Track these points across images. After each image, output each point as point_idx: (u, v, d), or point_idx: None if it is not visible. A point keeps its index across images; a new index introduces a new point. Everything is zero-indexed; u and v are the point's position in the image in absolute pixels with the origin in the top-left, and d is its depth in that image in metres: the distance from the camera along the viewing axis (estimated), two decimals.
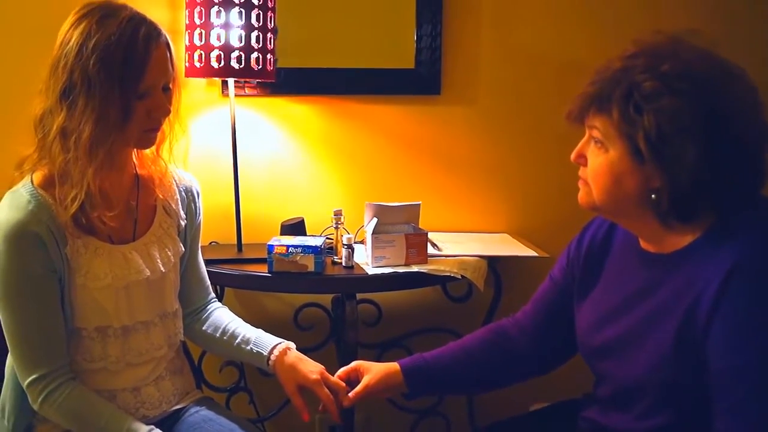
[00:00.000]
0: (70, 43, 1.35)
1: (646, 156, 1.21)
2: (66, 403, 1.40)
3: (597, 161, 1.29)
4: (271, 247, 1.95)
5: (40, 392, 1.40)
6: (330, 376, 1.57)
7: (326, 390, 1.55)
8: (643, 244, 1.37)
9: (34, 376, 1.40)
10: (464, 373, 1.59)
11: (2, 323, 1.41)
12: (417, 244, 2.04)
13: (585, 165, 1.33)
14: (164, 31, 1.42)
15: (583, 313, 1.48)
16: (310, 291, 2.08)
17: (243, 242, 2.18)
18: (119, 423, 1.42)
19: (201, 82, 2.28)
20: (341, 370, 1.60)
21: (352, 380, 1.59)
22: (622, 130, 1.23)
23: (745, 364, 1.17)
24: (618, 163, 1.25)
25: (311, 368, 1.57)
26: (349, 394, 1.56)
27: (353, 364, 1.61)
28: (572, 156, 1.35)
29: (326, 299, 2.37)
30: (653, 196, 1.24)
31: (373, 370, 1.57)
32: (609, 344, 1.38)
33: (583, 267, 1.49)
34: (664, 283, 1.29)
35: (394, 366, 1.57)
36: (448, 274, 2.01)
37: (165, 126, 1.50)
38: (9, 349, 1.43)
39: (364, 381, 1.56)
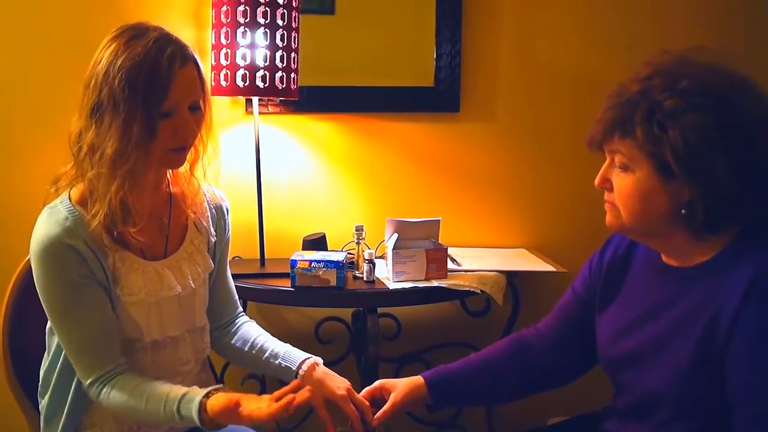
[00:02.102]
0: (101, 64, 1.39)
1: (676, 171, 1.23)
2: (112, 400, 1.42)
3: (623, 184, 1.31)
4: (294, 262, 1.98)
5: (101, 391, 1.43)
6: (356, 393, 1.59)
7: (352, 406, 1.56)
8: (665, 258, 1.39)
9: (92, 378, 1.42)
10: (487, 384, 1.61)
11: (57, 335, 1.45)
12: (437, 259, 2.07)
13: (610, 190, 1.35)
14: (192, 52, 1.44)
15: (604, 325, 1.49)
16: (332, 305, 2.11)
17: (266, 257, 2.22)
18: (157, 400, 1.40)
19: (225, 100, 2.32)
20: (365, 390, 1.60)
21: (376, 398, 1.60)
22: (648, 149, 1.25)
23: (764, 378, 1.18)
24: (645, 183, 1.27)
25: (338, 384, 1.59)
26: (377, 414, 1.56)
27: (377, 383, 1.61)
28: (596, 182, 1.37)
29: (346, 313, 2.40)
30: (683, 210, 1.26)
31: (398, 388, 1.58)
32: (629, 355, 1.40)
33: (605, 279, 1.51)
34: (685, 295, 1.31)
35: (418, 380, 1.59)
36: (468, 288, 2.03)
37: (198, 145, 1.52)
38: (69, 358, 1.45)
39: (392, 400, 1.57)
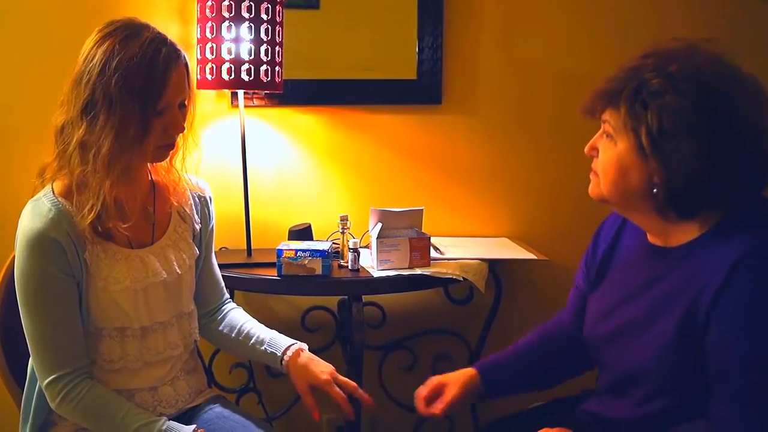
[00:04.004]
0: (94, 61, 1.41)
1: (648, 150, 1.27)
2: (85, 400, 1.45)
3: (607, 154, 1.36)
4: (280, 252, 2.01)
5: (59, 392, 1.45)
6: (340, 375, 1.63)
7: (336, 389, 1.60)
8: (650, 238, 1.43)
9: (53, 377, 1.45)
10: (527, 375, 1.66)
11: (24, 326, 1.46)
12: (420, 247, 2.10)
13: (597, 157, 1.40)
14: (183, 51, 1.48)
15: (593, 304, 1.55)
16: (318, 293, 2.13)
17: (252, 247, 2.24)
18: (136, 417, 1.47)
19: (211, 93, 2.35)
20: (424, 389, 1.61)
21: (435, 394, 1.62)
22: (629, 124, 1.30)
23: (743, 357, 1.22)
24: (625, 157, 1.32)
25: (322, 368, 1.63)
26: (439, 405, 1.58)
27: (433, 381, 1.62)
28: (586, 149, 1.42)
29: (332, 302, 2.44)
30: (654, 190, 1.30)
31: (456, 382, 1.60)
32: (613, 333, 1.44)
33: (598, 264, 1.57)
34: (668, 275, 1.35)
35: (470, 372, 1.62)
36: (451, 276, 2.06)
37: (179, 138, 1.55)
38: (30, 351, 1.48)
39: (449, 394, 1.59)
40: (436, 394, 1.61)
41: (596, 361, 1.54)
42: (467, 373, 1.62)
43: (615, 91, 1.33)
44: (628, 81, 1.31)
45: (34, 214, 1.43)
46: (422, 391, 1.62)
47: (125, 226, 1.48)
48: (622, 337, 1.42)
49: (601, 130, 1.40)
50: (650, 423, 1.37)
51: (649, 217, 1.37)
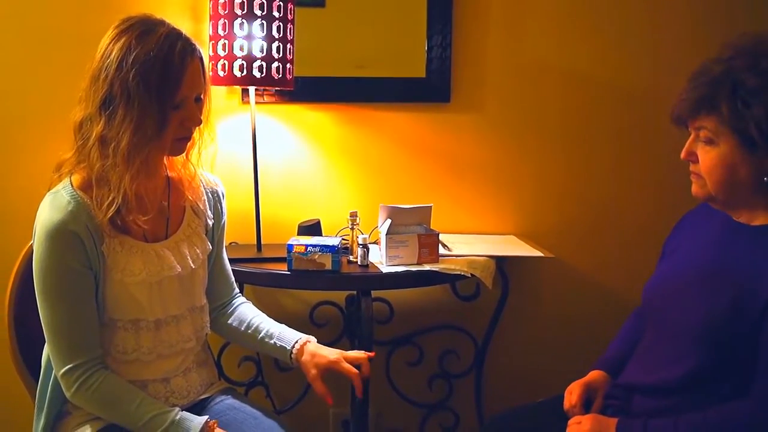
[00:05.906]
0: (111, 57, 1.43)
1: (760, 143, 1.35)
2: (100, 389, 1.48)
3: (709, 157, 1.43)
4: (290, 247, 2.03)
5: (74, 381, 1.48)
6: (347, 353, 1.66)
7: (346, 365, 1.63)
8: (736, 217, 1.50)
9: (69, 366, 1.48)
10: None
11: (41, 316, 1.49)
12: (429, 244, 2.12)
13: (696, 161, 1.46)
14: (198, 46, 1.50)
15: (665, 264, 1.63)
16: (328, 288, 2.14)
17: (262, 243, 2.26)
18: (150, 407, 1.49)
19: (222, 89, 2.37)
20: (576, 396, 1.64)
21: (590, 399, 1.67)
22: (732, 125, 1.37)
23: None
24: (729, 156, 1.40)
25: (330, 351, 1.67)
26: (594, 407, 1.64)
27: (582, 391, 1.66)
28: (682, 154, 1.48)
29: (340, 297, 2.46)
30: (766, 178, 1.39)
31: (601, 392, 1.66)
32: (678, 289, 1.51)
33: (677, 240, 1.64)
34: (745, 249, 1.43)
35: (599, 374, 1.68)
36: (459, 272, 2.08)
37: (195, 133, 1.58)
38: (46, 341, 1.50)
39: (597, 401, 1.65)
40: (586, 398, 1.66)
41: (648, 316, 1.61)
42: (600, 375, 1.68)
43: (709, 96, 1.39)
44: (720, 84, 1.38)
45: (53, 206, 1.46)
46: (576, 398, 1.65)
47: (145, 218, 1.51)
48: (683, 294, 1.49)
49: (692, 136, 1.46)
50: (670, 385, 1.45)
51: (754, 206, 1.44)
